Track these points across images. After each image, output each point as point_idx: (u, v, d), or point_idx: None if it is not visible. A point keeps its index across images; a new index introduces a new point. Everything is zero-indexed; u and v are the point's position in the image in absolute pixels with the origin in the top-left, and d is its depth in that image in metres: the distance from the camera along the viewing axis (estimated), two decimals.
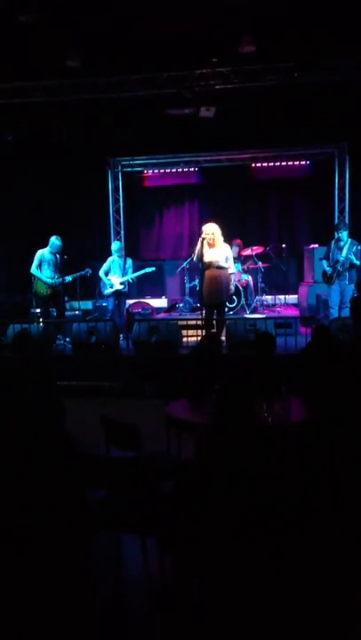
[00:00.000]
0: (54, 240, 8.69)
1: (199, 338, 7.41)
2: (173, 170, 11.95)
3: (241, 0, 6.63)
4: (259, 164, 11.57)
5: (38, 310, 9.30)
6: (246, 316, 9.38)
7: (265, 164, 11.56)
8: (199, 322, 8.67)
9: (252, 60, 7.98)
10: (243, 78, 8.47)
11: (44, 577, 2.25)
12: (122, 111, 9.13)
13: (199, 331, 8.44)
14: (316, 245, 10.39)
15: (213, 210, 11.68)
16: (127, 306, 10.05)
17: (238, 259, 10.41)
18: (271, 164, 11.54)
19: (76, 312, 10.15)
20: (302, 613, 2.27)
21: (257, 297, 10.48)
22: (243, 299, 9.89)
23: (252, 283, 10.50)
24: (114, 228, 11.66)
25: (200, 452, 2.78)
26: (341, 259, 8.48)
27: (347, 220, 10.51)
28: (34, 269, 8.68)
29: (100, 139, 9.63)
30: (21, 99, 8.89)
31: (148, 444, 3.48)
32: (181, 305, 10.79)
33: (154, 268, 9.82)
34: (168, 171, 12.01)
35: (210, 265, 7.64)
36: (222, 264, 7.65)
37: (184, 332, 8.49)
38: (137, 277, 9.47)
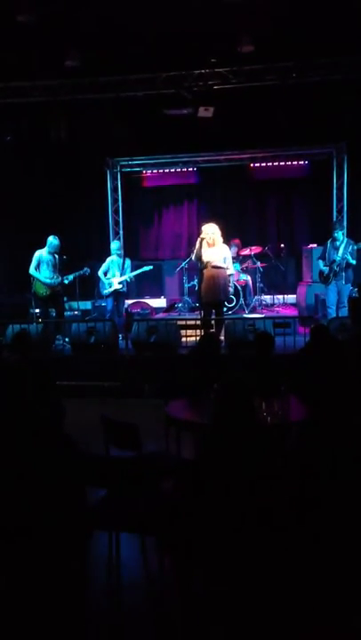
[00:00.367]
0: (52, 240, 8.68)
1: (198, 338, 7.40)
2: (172, 170, 11.95)
3: (240, 0, 6.63)
4: (257, 164, 11.57)
5: (37, 310, 9.30)
6: (245, 315, 9.39)
7: (264, 164, 11.57)
8: (198, 322, 8.67)
9: (250, 60, 8.00)
10: (241, 78, 8.48)
11: (44, 577, 2.25)
12: (121, 111, 9.13)
13: (198, 330, 8.44)
14: (315, 245, 10.40)
15: (212, 210, 11.69)
16: (126, 306, 10.05)
17: (237, 258, 10.42)
18: (270, 163, 11.55)
19: (76, 312, 10.15)
20: (303, 613, 2.28)
21: (256, 297, 10.49)
22: (241, 298, 9.88)
23: (250, 282, 10.50)
24: (113, 227, 11.66)
25: (199, 452, 2.78)
26: (338, 258, 8.50)
27: (345, 220, 10.53)
28: (32, 270, 8.67)
29: (98, 139, 9.62)
30: (20, 98, 8.90)
31: (148, 444, 3.49)
32: (180, 305, 10.78)
33: (152, 267, 9.83)
34: (167, 171, 12.01)
35: (208, 264, 7.66)
36: (220, 264, 7.67)
37: (183, 332, 8.49)
38: (135, 277, 9.48)
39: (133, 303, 10.89)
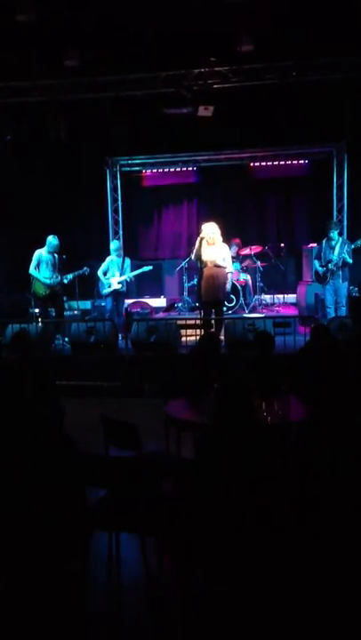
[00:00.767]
0: (51, 239, 8.68)
1: (198, 337, 7.40)
2: (172, 169, 11.93)
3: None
4: (257, 163, 11.56)
5: (37, 310, 9.30)
6: (245, 315, 9.38)
7: (263, 164, 11.55)
8: (198, 321, 8.67)
9: (250, 59, 8.00)
10: (241, 77, 8.48)
11: (44, 576, 2.25)
12: (120, 111, 9.13)
13: (198, 330, 8.44)
14: (315, 244, 10.37)
15: (212, 209, 11.67)
16: (126, 305, 10.04)
17: (237, 258, 10.42)
18: (270, 163, 11.53)
19: (75, 312, 10.14)
20: (303, 614, 2.27)
21: (256, 296, 10.48)
22: (241, 298, 9.87)
23: (250, 282, 10.50)
24: (112, 227, 11.65)
25: (199, 452, 2.78)
26: (335, 258, 8.51)
27: (345, 219, 10.52)
28: (32, 270, 8.67)
29: (98, 138, 9.62)
30: (20, 98, 8.90)
31: (148, 444, 3.49)
32: (180, 304, 10.78)
33: (151, 267, 9.82)
34: (167, 170, 11.99)
35: (207, 263, 7.66)
36: (220, 263, 7.67)
37: (183, 332, 8.49)
38: (135, 276, 9.47)
39: (133, 303, 10.89)
